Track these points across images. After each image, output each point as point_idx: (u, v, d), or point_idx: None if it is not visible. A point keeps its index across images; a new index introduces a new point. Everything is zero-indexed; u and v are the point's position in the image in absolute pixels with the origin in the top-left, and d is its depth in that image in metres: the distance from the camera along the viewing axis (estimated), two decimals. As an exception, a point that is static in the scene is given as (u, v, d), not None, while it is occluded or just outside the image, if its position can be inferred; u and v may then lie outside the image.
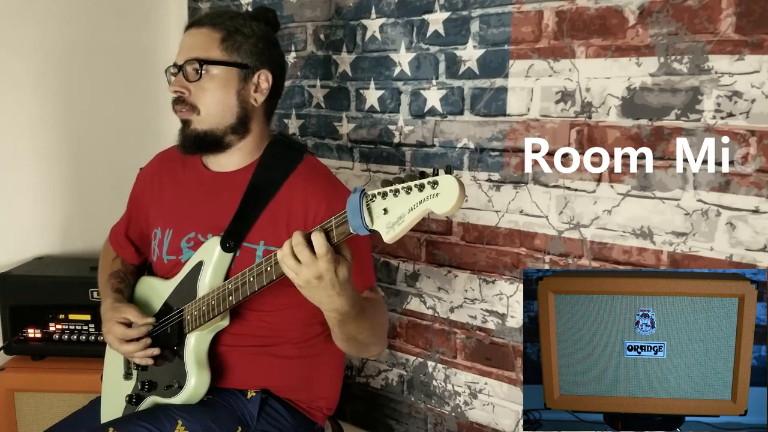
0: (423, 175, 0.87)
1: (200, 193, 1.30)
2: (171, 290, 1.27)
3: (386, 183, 0.90)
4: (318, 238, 0.96)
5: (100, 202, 1.98)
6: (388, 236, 0.89)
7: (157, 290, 1.32)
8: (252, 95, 1.25)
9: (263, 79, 1.25)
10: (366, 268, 1.22)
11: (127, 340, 1.23)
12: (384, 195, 0.89)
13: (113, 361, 1.36)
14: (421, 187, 0.86)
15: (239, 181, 1.27)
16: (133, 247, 1.43)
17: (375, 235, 0.93)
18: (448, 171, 0.85)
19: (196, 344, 1.21)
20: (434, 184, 0.85)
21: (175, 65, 1.25)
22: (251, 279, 1.10)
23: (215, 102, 1.23)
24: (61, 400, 1.76)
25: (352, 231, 0.93)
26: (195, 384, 1.20)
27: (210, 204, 1.28)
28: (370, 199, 0.90)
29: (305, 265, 0.97)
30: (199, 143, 1.26)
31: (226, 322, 1.22)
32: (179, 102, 1.24)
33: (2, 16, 1.83)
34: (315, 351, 1.32)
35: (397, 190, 0.88)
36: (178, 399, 1.21)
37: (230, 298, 1.14)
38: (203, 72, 1.21)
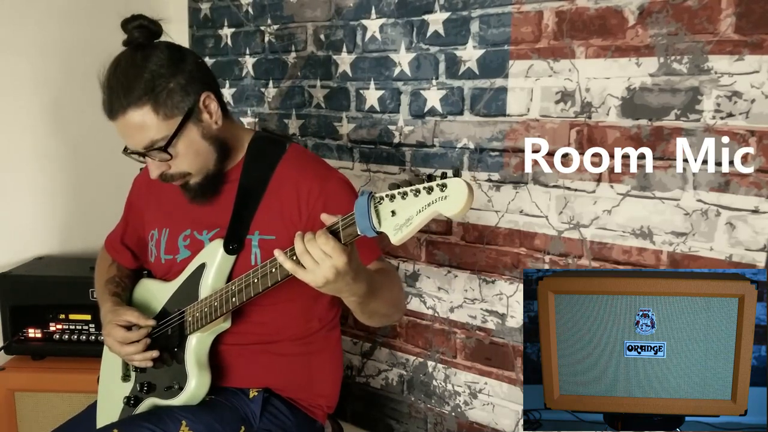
0: (431, 178, 0.88)
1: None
2: (171, 293, 1.27)
3: (394, 186, 0.90)
4: (328, 242, 0.96)
5: (100, 202, 1.98)
6: (396, 238, 0.90)
7: (156, 293, 1.32)
8: (211, 123, 1.19)
9: (208, 102, 1.18)
10: (369, 242, 1.20)
11: (127, 343, 1.23)
12: (392, 197, 0.90)
13: (111, 363, 1.36)
14: (429, 190, 0.87)
15: (228, 178, 1.27)
16: (130, 252, 1.43)
17: (382, 236, 0.93)
18: (457, 174, 0.86)
19: (197, 346, 1.21)
20: (443, 186, 0.86)
21: (134, 152, 1.17)
22: (255, 281, 1.10)
23: (195, 158, 1.19)
24: (62, 400, 1.76)
25: (359, 233, 0.94)
26: (195, 385, 1.20)
27: (204, 202, 1.28)
28: (378, 202, 0.91)
29: (321, 265, 0.97)
30: (207, 189, 1.23)
31: (228, 324, 1.22)
32: (167, 178, 1.20)
33: (2, 16, 1.83)
34: (314, 348, 1.32)
35: (405, 193, 0.89)
36: (178, 400, 1.21)
37: (233, 299, 1.14)
38: (170, 150, 1.15)
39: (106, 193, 1.96)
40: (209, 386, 1.22)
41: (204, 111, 1.18)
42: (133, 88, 1.12)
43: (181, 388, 1.21)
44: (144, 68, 1.13)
